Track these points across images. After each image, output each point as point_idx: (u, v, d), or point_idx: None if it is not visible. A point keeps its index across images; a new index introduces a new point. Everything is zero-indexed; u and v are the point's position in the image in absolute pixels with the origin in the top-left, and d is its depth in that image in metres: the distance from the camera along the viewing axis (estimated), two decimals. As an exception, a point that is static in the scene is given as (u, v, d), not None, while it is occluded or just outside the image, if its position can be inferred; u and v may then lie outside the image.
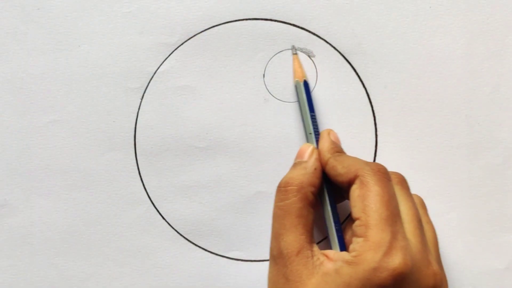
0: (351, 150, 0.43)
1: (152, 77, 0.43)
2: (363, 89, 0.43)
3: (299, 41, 0.43)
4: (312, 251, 0.36)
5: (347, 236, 0.38)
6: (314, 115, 0.41)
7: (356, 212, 0.35)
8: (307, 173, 0.38)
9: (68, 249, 0.43)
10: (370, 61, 0.43)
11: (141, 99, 0.43)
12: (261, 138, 0.43)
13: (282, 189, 0.37)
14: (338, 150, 0.39)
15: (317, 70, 0.43)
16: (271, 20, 0.43)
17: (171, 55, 0.43)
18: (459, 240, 0.43)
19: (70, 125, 0.43)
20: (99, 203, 0.43)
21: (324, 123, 0.43)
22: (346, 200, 0.40)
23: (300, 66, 0.42)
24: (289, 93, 0.43)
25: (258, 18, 0.43)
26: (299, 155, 0.39)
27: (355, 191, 0.36)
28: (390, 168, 0.38)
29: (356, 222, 0.35)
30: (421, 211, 0.38)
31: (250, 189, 0.43)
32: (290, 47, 0.43)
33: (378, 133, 0.43)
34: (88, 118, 0.43)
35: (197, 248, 0.43)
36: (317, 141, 0.40)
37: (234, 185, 0.43)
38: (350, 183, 0.37)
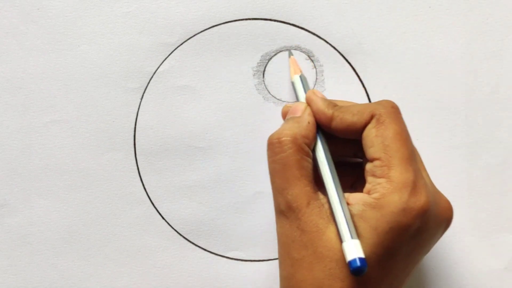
0: (351, 150, 0.43)
1: (152, 77, 0.43)
2: (363, 89, 0.43)
3: (299, 41, 0.43)
4: (320, 200, 0.34)
5: (347, 181, 0.37)
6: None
7: (375, 152, 0.34)
8: (300, 126, 0.36)
9: (68, 249, 0.43)
10: (370, 61, 0.43)
11: (141, 99, 0.43)
12: (260, 138, 0.43)
13: (275, 141, 0.35)
14: (335, 104, 0.37)
15: (317, 70, 0.43)
16: (271, 20, 0.43)
17: (170, 55, 0.43)
18: (458, 240, 0.43)
19: (70, 125, 0.43)
20: (99, 203, 0.43)
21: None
22: None
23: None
24: (289, 93, 0.43)
25: (258, 18, 0.43)
26: (292, 112, 0.37)
27: (371, 130, 0.34)
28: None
29: (376, 163, 0.34)
30: None
31: (250, 189, 0.43)
32: (290, 47, 0.43)
33: (378, 133, 0.43)
34: (88, 118, 0.43)
35: (197, 248, 0.43)
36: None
37: (234, 185, 0.43)
38: (364, 126, 0.35)
